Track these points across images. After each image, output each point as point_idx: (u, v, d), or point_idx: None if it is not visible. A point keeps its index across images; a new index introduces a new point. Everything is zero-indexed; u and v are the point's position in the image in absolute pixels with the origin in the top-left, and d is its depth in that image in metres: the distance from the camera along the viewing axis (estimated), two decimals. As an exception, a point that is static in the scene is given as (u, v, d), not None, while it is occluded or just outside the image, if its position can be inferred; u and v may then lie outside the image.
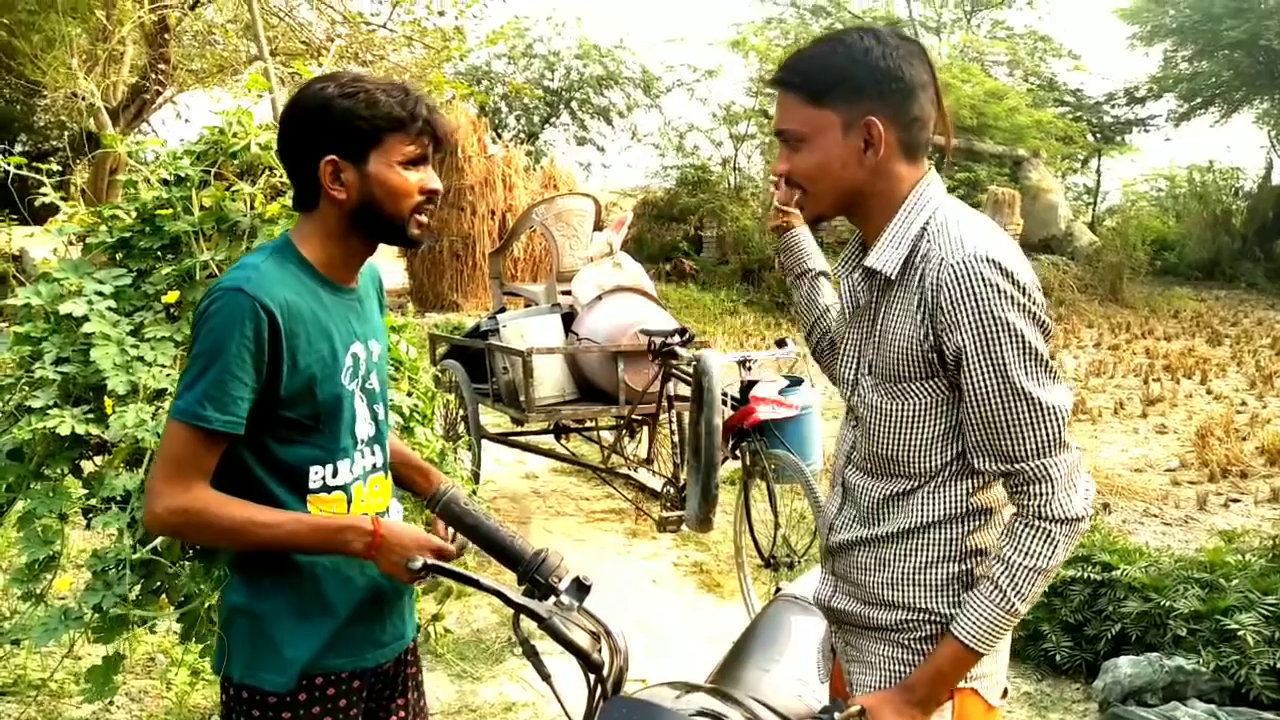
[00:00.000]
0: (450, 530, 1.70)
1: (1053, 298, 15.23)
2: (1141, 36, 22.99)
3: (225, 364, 1.50)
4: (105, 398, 2.24)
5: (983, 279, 1.37)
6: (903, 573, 1.53)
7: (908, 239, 1.46)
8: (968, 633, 1.44)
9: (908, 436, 1.49)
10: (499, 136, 18.92)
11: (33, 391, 2.28)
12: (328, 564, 1.64)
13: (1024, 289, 1.39)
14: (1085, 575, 3.77)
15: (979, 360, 1.39)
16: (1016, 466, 1.41)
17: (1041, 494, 1.41)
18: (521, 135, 21.72)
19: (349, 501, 1.68)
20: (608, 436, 5.64)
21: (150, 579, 2.21)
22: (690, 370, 4.43)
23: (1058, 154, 20.19)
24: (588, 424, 5.95)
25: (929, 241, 1.44)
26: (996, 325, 1.37)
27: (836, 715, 1.51)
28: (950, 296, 1.39)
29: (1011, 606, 1.42)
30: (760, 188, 18.13)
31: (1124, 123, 24.57)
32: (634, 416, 5.23)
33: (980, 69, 20.26)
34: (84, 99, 9.17)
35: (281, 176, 2.62)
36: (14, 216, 3.37)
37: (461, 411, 5.61)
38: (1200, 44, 21.43)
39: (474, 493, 4.02)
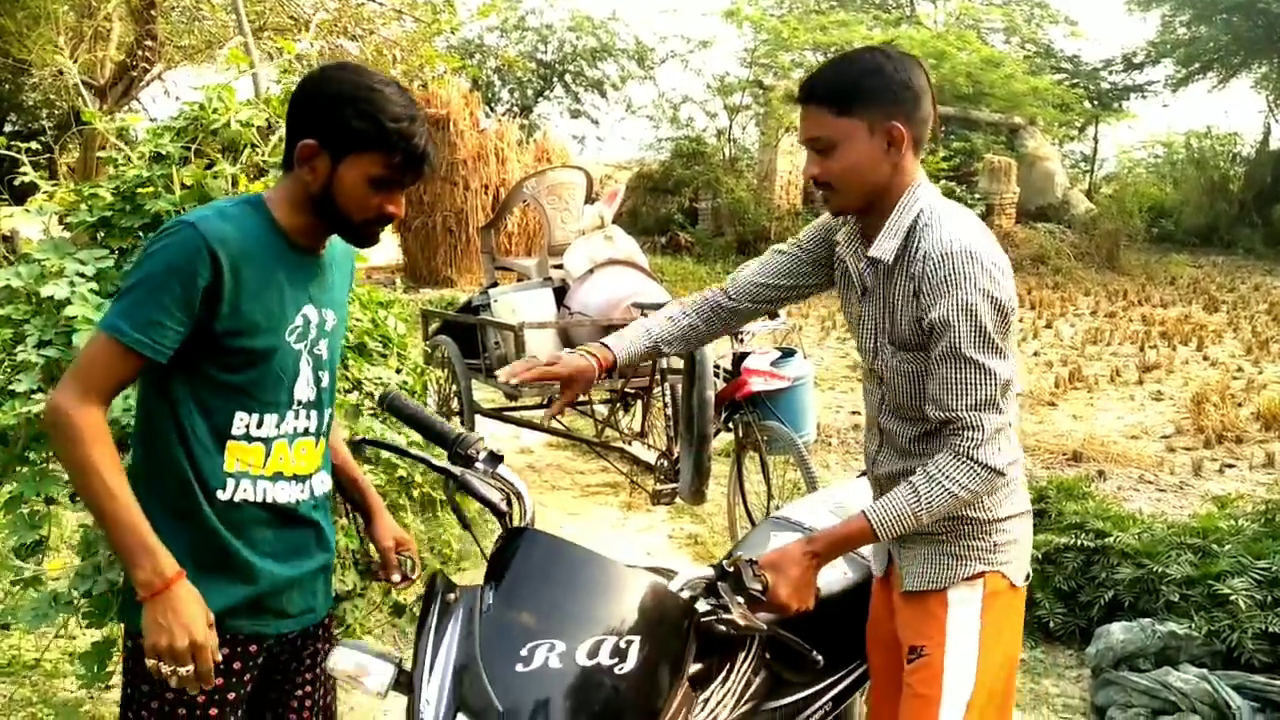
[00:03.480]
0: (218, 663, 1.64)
1: (1049, 265, 15.20)
2: (1139, 1, 22.79)
3: (155, 292, 1.55)
4: (88, 380, 2.22)
5: (957, 269, 1.66)
6: None
7: (902, 231, 1.74)
8: (876, 517, 1.72)
9: (921, 390, 1.78)
10: (491, 110, 18.82)
11: (15, 375, 2.26)
12: (233, 521, 1.66)
13: (993, 277, 1.67)
14: (1079, 542, 3.77)
15: (944, 331, 1.68)
16: (957, 415, 1.69)
17: (974, 439, 1.69)
18: (514, 109, 21.56)
19: (267, 455, 1.69)
20: (601, 410, 5.64)
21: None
22: (683, 343, 4.41)
23: (1054, 121, 20.06)
24: (581, 398, 5.93)
25: (919, 234, 1.72)
26: (961, 306, 1.66)
27: (724, 564, 1.68)
28: (931, 281, 1.69)
29: (917, 512, 1.70)
30: (754, 159, 18.03)
31: (1121, 89, 24.40)
32: (627, 390, 5.22)
33: (976, 36, 20.07)
34: (68, 75, 9.09)
35: (263, 154, 2.59)
36: (2, 197, 3.34)
37: (454, 387, 5.60)
38: (1198, 8, 21.25)
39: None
